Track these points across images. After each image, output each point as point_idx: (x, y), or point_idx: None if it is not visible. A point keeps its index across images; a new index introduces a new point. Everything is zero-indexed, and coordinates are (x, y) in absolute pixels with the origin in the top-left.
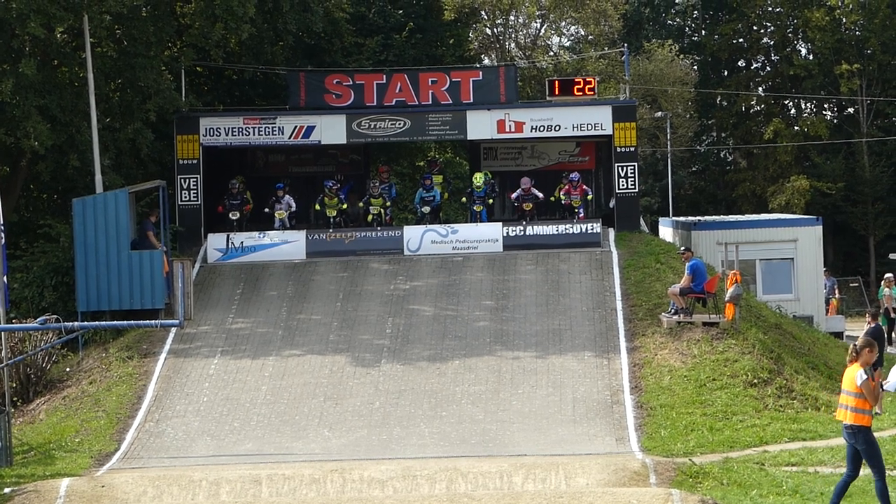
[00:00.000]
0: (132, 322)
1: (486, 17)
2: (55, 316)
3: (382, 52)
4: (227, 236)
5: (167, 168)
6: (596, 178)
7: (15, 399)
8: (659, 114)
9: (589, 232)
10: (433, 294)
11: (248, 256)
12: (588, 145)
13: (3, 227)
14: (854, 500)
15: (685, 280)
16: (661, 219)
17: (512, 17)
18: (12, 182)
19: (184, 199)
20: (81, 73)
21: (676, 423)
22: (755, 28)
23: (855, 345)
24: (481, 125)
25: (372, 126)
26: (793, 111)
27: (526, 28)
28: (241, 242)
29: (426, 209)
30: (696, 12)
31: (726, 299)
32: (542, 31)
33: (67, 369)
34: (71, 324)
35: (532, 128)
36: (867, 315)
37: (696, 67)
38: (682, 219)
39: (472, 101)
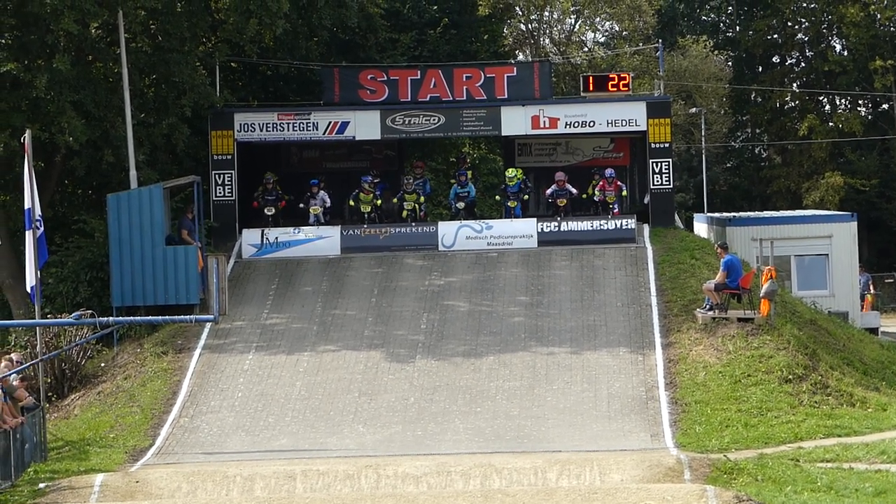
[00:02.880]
0: (167, 317)
1: (520, 13)
2: (90, 311)
3: (417, 48)
4: (262, 232)
5: (202, 163)
6: (630, 174)
7: (50, 394)
8: (693, 110)
9: (623, 228)
10: (468, 290)
11: (283, 252)
12: (622, 141)
13: (39, 220)
14: (889, 496)
15: (720, 276)
16: (695, 215)
17: (546, 13)
18: (47, 177)
19: (218, 194)
20: (116, 69)
21: (711, 419)
22: (790, 24)
23: None
24: (515, 121)
25: (406, 122)
26: (827, 107)
27: (560, 24)
28: (276, 238)
29: (461, 205)
30: (730, 8)
31: (761, 295)
32: (577, 26)
33: (102, 364)
34: (106, 319)
35: (566, 124)
36: None
37: (730, 63)
38: (716, 215)
39: (506, 96)
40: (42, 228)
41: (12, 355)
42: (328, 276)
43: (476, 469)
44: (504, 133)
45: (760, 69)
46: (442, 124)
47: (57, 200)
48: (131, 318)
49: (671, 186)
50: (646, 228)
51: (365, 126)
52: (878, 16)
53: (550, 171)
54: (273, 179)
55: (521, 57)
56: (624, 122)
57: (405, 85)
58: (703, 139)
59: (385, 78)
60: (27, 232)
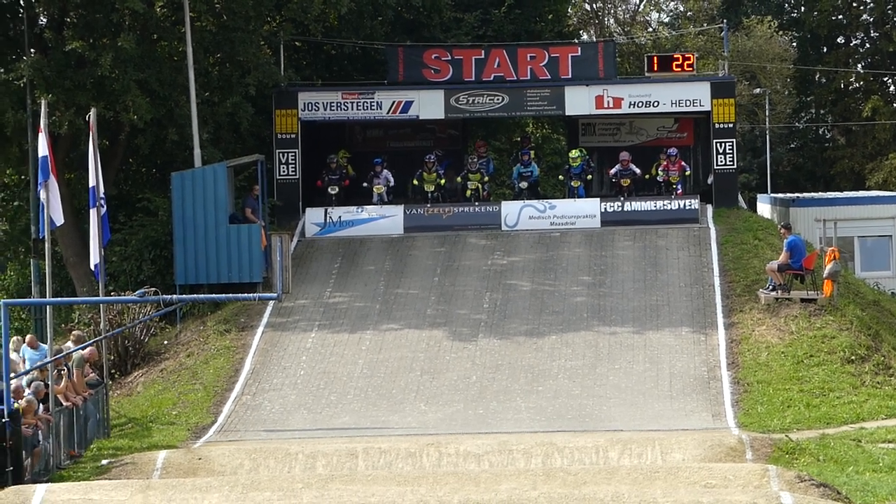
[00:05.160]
0: (230, 295)
1: None
2: (153, 289)
3: (481, 28)
4: (325, 211)
5: (265, 142)
6: (694, 155)
7: (113, 371)
8: (757, 90)
9: (687, 208)
10: (531, 269)
11: (346, 231)
12: (686, 121)
13: (103, 199)
14: None
15: (783, 256)
16: (759, 195)
17: None
18: (112, 156)
19: (282, 173)
20: (181, 48)
21: (773, 399)
22: (854, 4)
23: None
24: (579, 101)
25: (470, 101)
26: (891, 88)
27: (625, 3)
28: (339, 217)
29: (524, 184)
30: None
31: (824, 276)
32: (641, 6)
33: (165, 342)
34: (169, 297)
35: (630, 104)
36: None
37: (794, 44)
38: (780, 195)
39: (570, 76)
40: (105, 207)
41: (76, 332)
42: (391, 255)
43: (537, 448)
44: (568, 113)
45: (825, 50)
46: (506, 104)
47: (121, 179)
48: (194, 296)
49: (735, 167)
50: (709, 209)
51: (429, 105)
52: None
53: (614, 150)
54: (339, 158)
55: (585, 37)
56: (688, 103)
57: (469, 64)
58: (767, 120)
59: (449, 57)
60: (91, 210)
